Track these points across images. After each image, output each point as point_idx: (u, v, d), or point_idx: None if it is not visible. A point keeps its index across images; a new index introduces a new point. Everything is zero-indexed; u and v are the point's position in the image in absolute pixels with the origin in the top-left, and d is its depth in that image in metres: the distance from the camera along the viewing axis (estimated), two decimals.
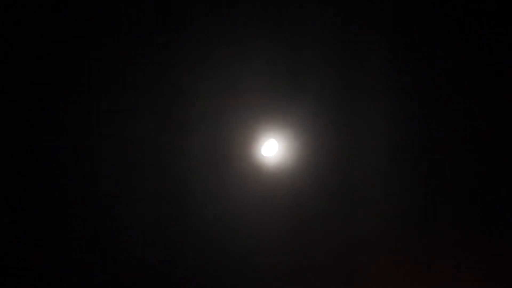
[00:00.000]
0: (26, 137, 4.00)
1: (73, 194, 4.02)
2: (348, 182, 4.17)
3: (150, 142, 4.08)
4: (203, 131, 4.12)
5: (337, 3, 4.17)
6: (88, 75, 4.05)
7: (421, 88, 4.21)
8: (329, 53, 4.18)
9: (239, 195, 4.12)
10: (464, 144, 4.18)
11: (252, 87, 4.15)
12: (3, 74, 3.99)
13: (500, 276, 4.10)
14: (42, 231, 3.99)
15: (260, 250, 4.11)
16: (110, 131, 4.05)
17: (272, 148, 4.17)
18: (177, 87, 4.10)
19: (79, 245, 4.01)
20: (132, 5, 4.05)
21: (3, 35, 3.98)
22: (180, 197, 4.08)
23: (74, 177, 4.03)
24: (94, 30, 4.05)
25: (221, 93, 4.13)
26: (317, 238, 4.15)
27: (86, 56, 4.05)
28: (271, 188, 4.15)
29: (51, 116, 4.03)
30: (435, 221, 4.15)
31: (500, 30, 4.19)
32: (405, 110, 4.20)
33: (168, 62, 4.10)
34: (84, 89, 4.05)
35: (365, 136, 4.17)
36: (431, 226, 4.15)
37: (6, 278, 3.94)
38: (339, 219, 4.16)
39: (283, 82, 4.16)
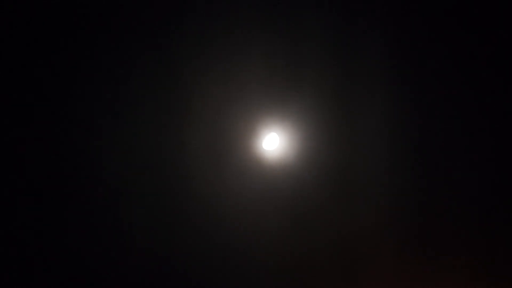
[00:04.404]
0: (26, 133, 4.03)
1: (73, 189, 4.06)
2: (349, 175, 4.17)
3: (150, 136, 4.10)
4: (204, 125, 4.13)
5: None
6: (86, 70, 4.08)
7: (422, 80, 4.20)
8: (329, 46, 4.18)
9: (240, 188, 4.14)
10: (464, 138, 4.17)
11: (253, 81, 4.16)
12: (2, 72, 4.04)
13: (498, 270, 4.11)
14: (42, 228, 4.03)
15: (261, 243, 4.13)
16: (110, 125, 4.08)
17: (273, 142, 4.18)
18: (178, 82, 4.12)
19: (79, 241, 4.05)
20: None
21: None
22: (181, 190, 4.11)
23: (75, 173, 4.06)
24: (92, 24, 4.06)
25: (221, 87, 4.14)
26: (317, 231, 4.17)
27: (84, 51, 4.07)
28: (272, 182, 4.16)
29: (50, 112, 4.06)
30: (435, 215, 4.15)
31: (500, 26, 4.17)
32: (406, 103, 4.19)
33: (168, 56, 4.12)
34: (83, 84, 4.08)
35: (366, 130, 4.17)
36: (431, 220, 4.15)
37: (6, 278, 4.00)
38: (339, 212, 4.17)
39: (284, 76, 4.17)
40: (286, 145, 4.18)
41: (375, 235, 4.15)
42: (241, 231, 4.14)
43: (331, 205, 4.17)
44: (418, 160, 4.19)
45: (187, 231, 4.12)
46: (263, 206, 4.16)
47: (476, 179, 4.16)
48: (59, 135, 4.06)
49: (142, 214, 4.10)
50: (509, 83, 4.18)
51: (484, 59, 4.17)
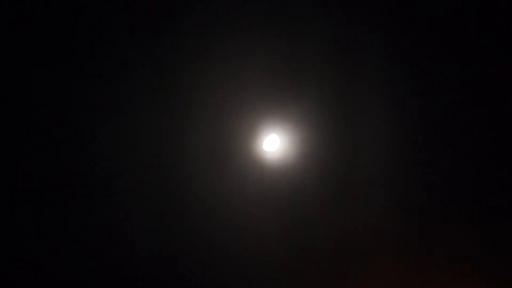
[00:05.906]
0: (25, 133, 4.02)
1: (73, 190, 4.05)
2: (349, 176, 4.18)
3: (150, 138, 4.10)
4: (204, 127, 4.12)
5: None
6: (86, 71, 4.06)
7: (422, 81, 4.20)
8: (330, 47, 4.17)
9: (240, 189, 4.14)
10: (465, 138, 4.18)
11: (253, 81, 4.15)
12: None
13: (499, 270, 4.13)
14: (41, 231, 4.03)
15: (261, 244, 4.14)
16: (110, 126, 4.07)
17: (274, 143, 4.18)
18: (178, 83, 4.11)
19: (79, 241, 4.05)
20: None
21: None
22: (182, 192, 4.11)
23: (74, 174, 4.06)
24: (92, 24, 4.04)
25: (222, 88, 4.13)
26: (318, 232, 4.18)
27: (83, 52, 4.06)
28: (273, 183, 4.16)
29: (50, 113, 4.04)
30: (435, 215, 4.17)
31: (500, 25, 4.17)
32: (406, 104, 4.19)
33: (168, 57, 4.10)
34: (82, 85, 4.07)
35: (366, 131, 4.17)
36: (431, 220, 4.16)
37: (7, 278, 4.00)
38: (340, 213, 4.18)
39: (284, 77, 4.16)
40: (286, 146, 4.18)
41: (376, 236, 4.17)
42: (242, 232, 4.15)
43: (332, 205, 4.18)
44: (418, 160, 4.20)
45: (187, 232, 4.12)
46: (263, 207, 4.16)
47: (477, 179, 4.18)
48: (59, 136, 4.05)
49: (143, 215, 4.10)
50: (509, 84, 4.19)
51: (485, 60, 4.17)
